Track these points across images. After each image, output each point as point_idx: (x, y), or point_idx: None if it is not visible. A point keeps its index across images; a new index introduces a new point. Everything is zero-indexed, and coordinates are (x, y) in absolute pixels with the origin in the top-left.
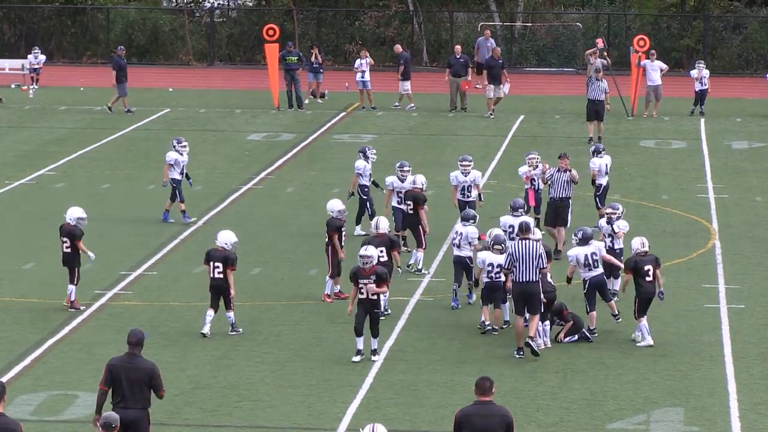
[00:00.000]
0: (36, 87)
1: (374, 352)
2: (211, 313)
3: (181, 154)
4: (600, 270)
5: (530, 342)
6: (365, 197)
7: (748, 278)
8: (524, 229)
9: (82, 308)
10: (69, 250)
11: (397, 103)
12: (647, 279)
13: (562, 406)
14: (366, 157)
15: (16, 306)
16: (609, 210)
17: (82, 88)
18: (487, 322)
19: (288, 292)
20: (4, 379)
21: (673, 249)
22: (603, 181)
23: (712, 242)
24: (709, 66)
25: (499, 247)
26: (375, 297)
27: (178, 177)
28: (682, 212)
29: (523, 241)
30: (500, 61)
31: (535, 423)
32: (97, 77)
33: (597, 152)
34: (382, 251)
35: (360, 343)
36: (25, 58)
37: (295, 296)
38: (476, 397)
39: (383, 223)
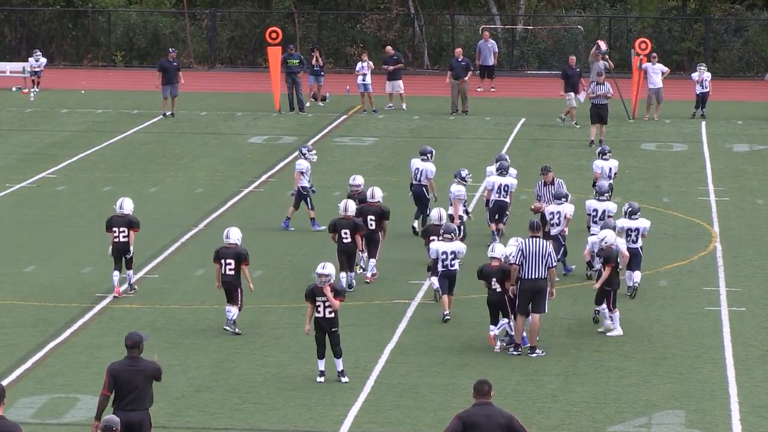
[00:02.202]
0: (37, 90)
1: (341, 373)
2: (229, 308)
3: (311, 161)
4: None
5: (531, 355)
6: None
7: (749, 281)
8: (534, 227)
9: (132, 292)
10: (126, 239)
11: (391, 104)
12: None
13: (563, 408)
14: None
15: (18, 309)
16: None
17: (83, 91)
18: (446, 311)
19: (289, 295)
20: (5, 382)
21: (674, 252)
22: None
23: (713, 245)
24: (710, 69)
25: (449, 236)
26: (332, 315)
27: (307, 185)
28: (683, 215)
29: (533, 239)
30: (577, 70)
31: (536, 426)
32: (98, 80)
33: (602, 154)
34: (346, 233)
35: (321, 364)
36: (26, 61)
37: (297, 299)
38: (475, 400)
39: (351, 206)
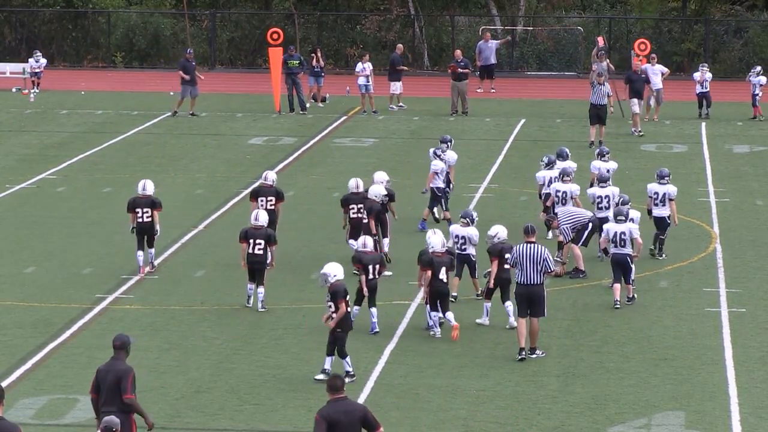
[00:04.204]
0: (37, 91)
1: (348, 374)
2: (251, 286)
3: (444, 162)
4: (626, 250)
5: (531, 355)
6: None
7: (749, 282)
8: (528, 231)
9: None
10: (150, 219)
11: (393, 106)
12: (506, 267)
13: (563, 409)
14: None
15: (18, 310)
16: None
17: (83, 92)
18: (454, 293)
19: (289, 296)
20: (5, 383)
21: (675, 253)
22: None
23: (713, 246)
24: (710, 70)
25: (465, 221)
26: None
27: (442, 185)
28: (683, 216)
29: (527, 244)
30: (643, 76)
31: (536, 427)
32: (98, 81)
33: (601, 155)
34: (353, 208)
35: (328, 362)
36: (26, 61)
37: (297, 300)
38: (330, 396)
39: (362, 184)
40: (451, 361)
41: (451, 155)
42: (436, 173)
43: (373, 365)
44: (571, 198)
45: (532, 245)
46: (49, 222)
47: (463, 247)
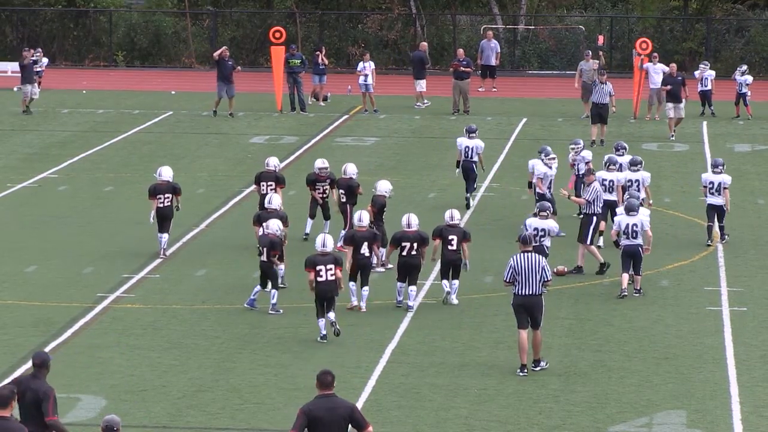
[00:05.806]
0: (38, 90)
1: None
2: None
3: (550, 167)
4: (638, 241)
5: (535, 368)
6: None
7: (750, 281)
8: (526, 240)
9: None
10: (169, 204)
11: (425, 102)
12: (450, 248)
13: (565, 408)
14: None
15: (19, 309)
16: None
17: (84, 91)
18: None
19: (290, 295)
20: (6, 382)
21: (676, 251)
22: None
23: (714, 245)
24: (712, 68)
25: (545, 214)
26: (333, 278)
27: (546, 191)
28: (684, 215)
29: (525, 254)
30: (680, 78)
31: (538, 426)
32: (99, 80)
33: (617, 149)
34: (318, 188)
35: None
36: None
37: (298, 299)
38: (318, 392)
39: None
40: (452, 359)
41: (478, 143)
42: (541, 179)
43: (374, 364)
44: (617, 187)
45: (529, 254)
46: (51, 221)
47: (541, 239)
